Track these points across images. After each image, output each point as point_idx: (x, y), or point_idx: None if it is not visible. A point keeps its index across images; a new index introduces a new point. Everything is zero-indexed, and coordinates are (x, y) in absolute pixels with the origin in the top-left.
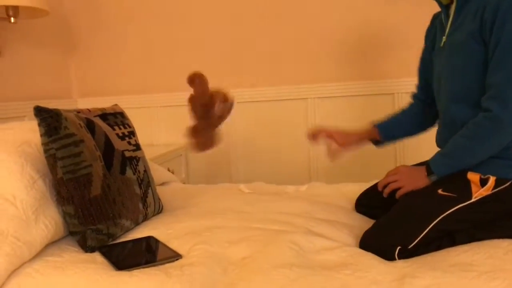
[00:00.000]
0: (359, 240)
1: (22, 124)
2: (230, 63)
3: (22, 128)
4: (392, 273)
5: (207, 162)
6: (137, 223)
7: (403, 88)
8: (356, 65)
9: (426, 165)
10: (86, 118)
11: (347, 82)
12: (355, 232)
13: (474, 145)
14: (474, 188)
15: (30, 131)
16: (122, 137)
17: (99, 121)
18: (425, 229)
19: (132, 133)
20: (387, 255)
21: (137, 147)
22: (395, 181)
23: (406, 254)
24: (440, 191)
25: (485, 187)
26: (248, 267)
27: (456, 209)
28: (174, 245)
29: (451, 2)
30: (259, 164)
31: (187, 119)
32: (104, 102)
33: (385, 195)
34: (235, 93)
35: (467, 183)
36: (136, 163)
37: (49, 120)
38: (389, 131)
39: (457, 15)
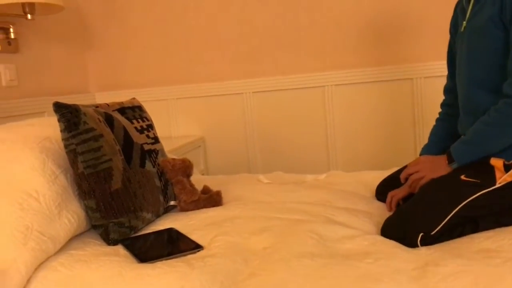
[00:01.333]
0: (380, 228)
1: (42, 120)
2: (247, 52)
3: (42, 124)
4: (415, 261)
5: (226, 153)
6: (158, 216)
7: (422, 72)
8: (373, 50)
9: (447, 153)
10: (104, 112)
11: (364, 68)
12: (376, 220)
13: (496, 131)
14: (498, 173)
15: (50, 127)
16: (141, 131)
17: (117, 115)
18: (448, 215)
19: (150, 126)
20: (410, 242)
21: (156, 140)
22: (416, 172)
23: (429, 240)
24: (463, 177)
25: (509, 173)
26: (270, 257)
27: (480, 195)
28: (196, 236)
29: None
30: (278, 154)
31: (204, 110)
32: (121, 96)
33: (407, 188)
34: (252, 83)
35: (491, 168)
36: (155, 156)
37: (69, 116)
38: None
39: None
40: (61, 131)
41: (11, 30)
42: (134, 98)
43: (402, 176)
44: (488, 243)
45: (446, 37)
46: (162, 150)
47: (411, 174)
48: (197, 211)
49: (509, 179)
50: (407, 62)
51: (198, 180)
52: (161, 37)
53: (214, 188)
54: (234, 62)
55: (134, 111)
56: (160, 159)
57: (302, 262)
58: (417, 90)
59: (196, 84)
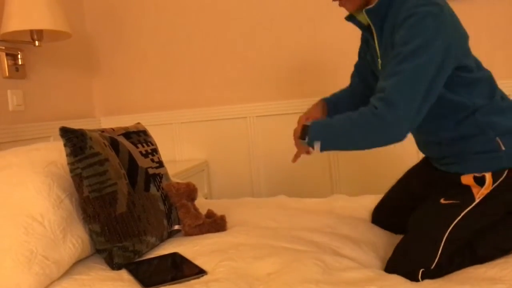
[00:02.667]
0: (385, 262)
1: (48, 145)
2: (250, 77)
3: (48, 149)
4: None
5: (229, 177)
6: (162, 240)
7: None
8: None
9: (304, 126)
10: (110, 137)
11: None
12: (381, 253)
13: (356, 133)
14: (474, 190)
15: (56, 151)
16: (146, 155)
17: (123, 140)
18: (440, 243)
19: (155, 151)
20: (412, 279)
21: (160, 164)
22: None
23: (431, 275)
24: (442, 200)
25: (484, 186)
26: (274, 282)
27: (464, 215)
28: (200, 261)
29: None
30: (281, 177)
31: (208, 134)
32: (126, 120)
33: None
34: (255, 107)
35: (465, 187)
36: (159, 179)
37: (75, 140)
38: (336, 107)
39: (380, 36)
40: (67, 155)
41: (19, 56)
42: (139, 123)
43: (192, 233)
44: (492, 273)
45: None
46: (166, 174)
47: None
48: (201, 237)
49: (486, 192)
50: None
51: (202, 204)
52: (165, 63)
53: (218, 212)
54: (237, 86)
55: (139, 135)
56: (164, 183)
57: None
58: None
59: (200, 109)
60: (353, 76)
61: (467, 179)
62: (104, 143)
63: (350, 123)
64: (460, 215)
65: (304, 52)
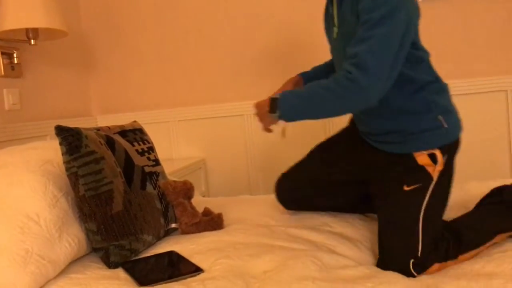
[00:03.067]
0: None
1: (44, 144)
2: (247, 75)
3: (44, 148)
4: (415, 284)
5: (227, 174)
6: (158, 238)
7: None
8: None
9: (272, 99)
10: (106, 135)
11: None
12: (377, 251)
13: (327, 97)
14: (429, 169)
15: (52, 150)
16: (142, 153)
17: (118, 138)
18: (418, 230)
19: (151, 149)
20: (406, 274)
21: (157, 162)
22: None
23: (421, 263)
24: (405, 187)
25: (438, 163)
26: (270, 280)
27: (429, 195)
28: (197, 260)
29: None
30: (278, 175)
31: (205, 132)
32: (123, 118)
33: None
34: (251, 105)
35: (422, 168)
36: (156, 178)
37: (70, 139)
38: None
39: (339, 7)
40: (62, 154)
41: (15, 55)
42: (135, 121)
43: (189, 231)
44: (489, 268)
45: None
46: (163, 172)
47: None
48: (198, 235)
49: (440, 169)
50: None
51: (199, 202)
52: (162, 61)
53: (215, 210)
54: (234, 84)
55: (135, 133)
56: (161, 181)
57: (303, 285)
58: None
59: (196, 106)
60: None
61: (423, 159)
62: (100, 141)
63: (323, 89)
64: (426, 197)
65: (301, 50)
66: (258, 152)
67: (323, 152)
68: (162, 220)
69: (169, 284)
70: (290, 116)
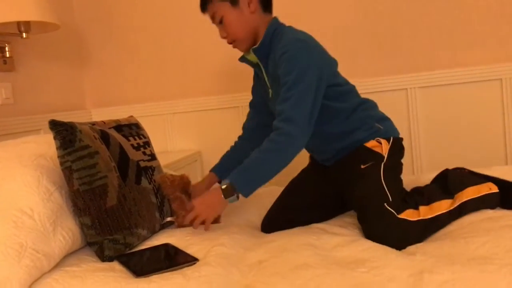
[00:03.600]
0: None
1: (37, 138)
2: (243, 66)
3: (37, 142)
4: (409, 268)
5: None
6: (154, 232)
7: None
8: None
9: (225, 186)
10: (100, 129)
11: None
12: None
13: (270, 157)
14: (378, 149)
15: (46, 144)
16: (137, 148)
17: (113, 133)
18: (384, 189)
19: (147, 144)
20: (384, 215)
21: (152, 157)
22: (196, 217)
23: (393, 207)
24: (362, 166)
25: (383, 144)
26: (266, 270)
27: (383, 169)
28: (192, 250)
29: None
30: None
31: (200, 125)
32: (117, 112)
33: (195, 227)
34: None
35: (371, 150)
36: (151, 172)
37: (64, 133)
38: (224, 170)
39: (266, 70)
40: (56, 148)
41: (7, 49)
42: (131, 116)
43: (185, 224)
44: (483, 250)
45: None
46: (159, 167)
47: (192, 221)
48: (191, 229)
49: (387, 148)
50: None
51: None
52: (157, 53)
53: None
54: (229, 76)
55: (130, 128)
56: (157, 175)
57: (297, 273)
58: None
59: (192, 99)
60: (244, 125)
61: (370, 143)
62: (94, 135)
63: (263, 153)
64: (381, 170)
65: None
66: None
67: (295, 188)
68: (157, 215)
69: (165, 274)
70: (249, 191)
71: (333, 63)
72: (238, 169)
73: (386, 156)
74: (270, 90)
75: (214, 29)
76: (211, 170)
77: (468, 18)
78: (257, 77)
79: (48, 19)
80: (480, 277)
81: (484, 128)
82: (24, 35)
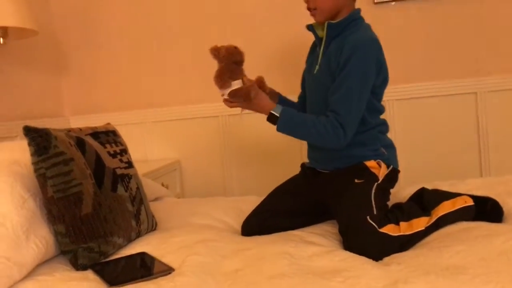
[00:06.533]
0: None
1: (11, 144)
2: None
3: (11, 148)
4: (385, 278)
5: (202, 176)
6: (129, 240)
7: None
8: None
9: (276, 112)
10: (76, 136)
11: None
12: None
13: (313, 133)
14: (375, 171)
15: (20, 151)
16: (114, 155)
17: (90, 140)
18: (371, 202)
19: (124, 151)
20: (366, 228)
21: (130, 164)
22: (244, 95)
23: (375, 221)
24: (356, 180)
25: (382, 168)
26: (241, 279)
27: (375, 189)
28: (168, 259)
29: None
30: (253, 177)
31: (180, 134)
32: (96, 119)
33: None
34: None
35: (368, 169)
36: (128, 180)
37: (39, 140)
38: (284, 103)
39: (326, 49)
40: (31, 155)
41: None
42: (108, 123)
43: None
44: (457, 259)
45: None
46: (136, 174)
47: (239, 92)
48: (169, 235)
49: (385, 173)
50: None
51: (174, 203)
52: (136, 61)
53: (188, 212)
54: (209, 85)
55: (107, 135)
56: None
57: (273, 283)
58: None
59: (171, 107)
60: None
61: (370, 162)
62: (69, 142)
63: (314, 127)
64: (373, 188)
65: (281, 51)
66: (234, 153)
67: (278, 194)
68: (133, 223)
69: (139, 284)
70: (282, 131)
71: (386, 73)
72: (292, 112)
73: (380, 179)
74: (317, 66)
75: (194, 37)
76: (279, 96)
77: (443, 32)
78: (313, 51)
79: (26, 25)
80: (454, 286)
81: (458, 141)
82: (1, 40)
